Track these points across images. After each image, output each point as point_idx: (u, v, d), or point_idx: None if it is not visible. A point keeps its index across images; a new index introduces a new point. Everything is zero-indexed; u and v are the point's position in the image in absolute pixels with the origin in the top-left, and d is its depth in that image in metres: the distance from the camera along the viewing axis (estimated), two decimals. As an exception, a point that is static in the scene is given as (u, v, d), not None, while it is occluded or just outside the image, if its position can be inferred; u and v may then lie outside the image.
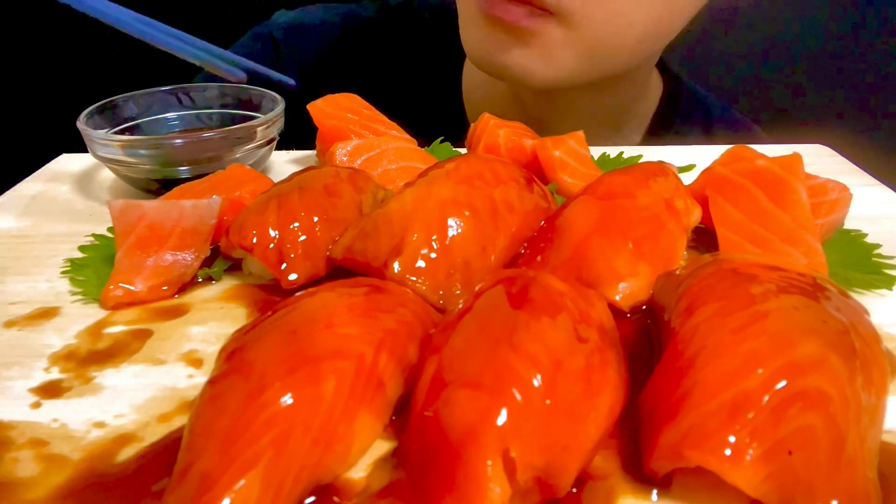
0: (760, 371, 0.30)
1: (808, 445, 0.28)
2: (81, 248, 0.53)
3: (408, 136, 0.68)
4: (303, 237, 0.47)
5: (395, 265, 0.43)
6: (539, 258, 0.46)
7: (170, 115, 0.72)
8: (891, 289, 0.48)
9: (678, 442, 0.30)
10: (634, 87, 0.87)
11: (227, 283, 0.50)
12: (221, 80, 0.73)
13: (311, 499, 0.31)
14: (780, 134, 0.94)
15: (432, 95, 0.93)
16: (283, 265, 0.46)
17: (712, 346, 0.32)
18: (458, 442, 0.28)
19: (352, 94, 0.70)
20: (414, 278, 0.43)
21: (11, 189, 0.66)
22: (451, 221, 0.45)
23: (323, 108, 0.66)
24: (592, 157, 0.66)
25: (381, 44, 0.96)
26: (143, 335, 0.43)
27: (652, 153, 0.71)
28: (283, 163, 0.73)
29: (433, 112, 0.90)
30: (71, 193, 0.65)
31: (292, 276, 0.46)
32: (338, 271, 0.47)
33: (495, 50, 0.71)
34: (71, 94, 0.90)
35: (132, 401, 0.38)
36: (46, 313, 0.46)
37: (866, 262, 0.50)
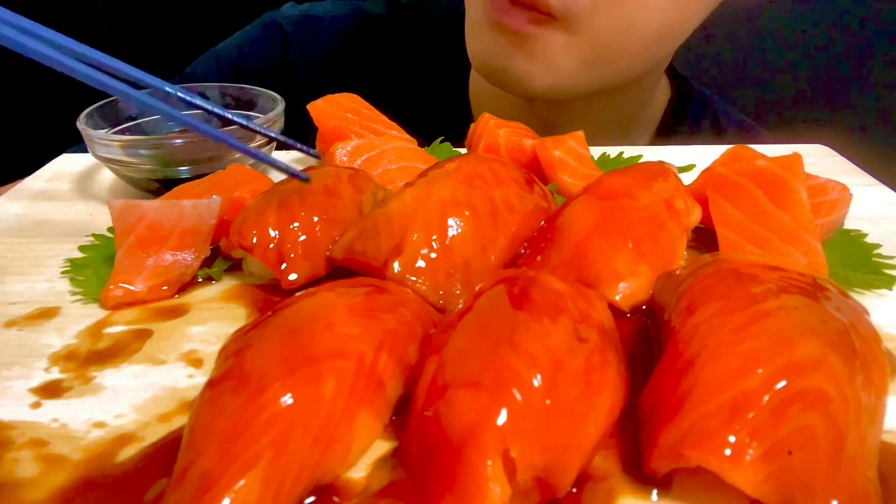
0: (760, 371, 0.30)
1: (808, 445, 0.28)
2: (81, 248, 0.53)
3: (408, 136, 0.68)
4: (303, 237, 0.47)
5: (395, 265, 0.43)
6: (539, 258, 0.46)
7: (170, 115, 0.71)
8: (891, 289, 0.48)
9: (678, 442, 0.30)
10: (643, 92, 0.86)
11: (227, 283, 0.50)
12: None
13: (311, 499, 0.31)
14: (780, 134, 0.94)
15: (438, 96, 0.92)
16: (283, 265, 0.46)
17: (712, 346, 0.32)
18: (458, 442, 0.28)
19: (352, 94, 0.70)
20: (414, 278, 0.43)
21: (12, 189, 0.66)
22: (451, 221, 0.45)
23: (323, 108, 0.66)
24: (592, 157, 0.66)
25: (389, 42, 0.95)
26: (143, 335, 0.43)
27: (652, 153, 0.71)
28: (284, 162, 0.73)
29: (439, 112, 0.90)
30: (71, 193, 0.65)
31: (292, 276, 0.46)
32: (338, 271, 0.47)
33: (497, 55, 0.71)
34: (71, 94, 0.90)
35: (132, 401, 0.38)
36: (46, 313, 0.46)
37: (866, 262, 0.50)
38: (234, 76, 0.92)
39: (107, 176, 0.69)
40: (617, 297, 0.43)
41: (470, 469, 0.27)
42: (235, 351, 0.33)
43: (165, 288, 0.47)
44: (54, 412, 0.37)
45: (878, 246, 0.51)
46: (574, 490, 0.31)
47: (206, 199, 0.51)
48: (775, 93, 1.47)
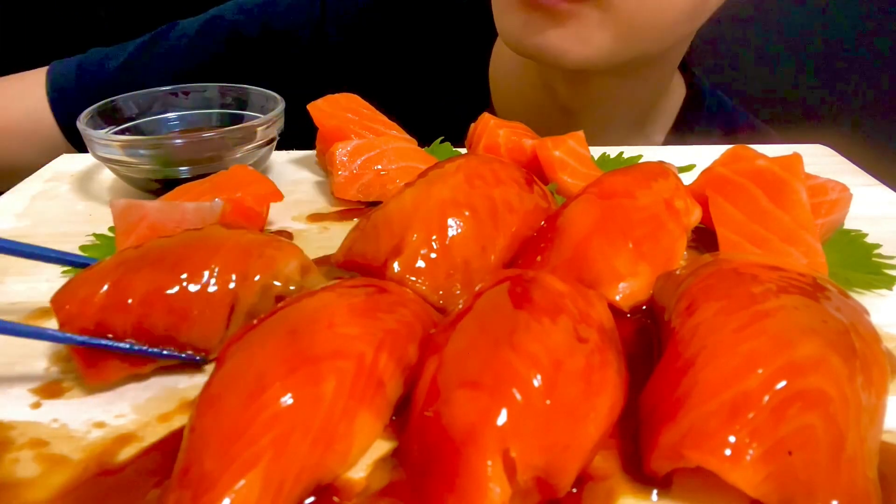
0: (760, 371, 0.30)
1: (808, 445, 0.29)
2: (82, 248, 0.53)
3: (408, 136, 0.68)
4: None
5: (395, 265, 0.43)
6: (539, 258, 0.46)
7: (170, 115, 0.71)
8: (891, 289, 0.48)
9: (678, 442, 0.30)
10: (662, 78, 0.86)
11: (227, 283, 0.50)
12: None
13: (311, 499, 0.31)
14: (781, 134, 0.94)
15: (458, 77, 0.92)
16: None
17: (712, 346, 0.32)
18: (459, 442, 0.28)
19: (352, 94, 0.70)
20: (414, 278, 0.43)
21: (12, 189, 0.66)
22: (450, 221, 0.45)
23: (323, 108, 0.66)
24: (592, 157, 0.66)
25: (420, 20, 0.95)
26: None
27: (652, 153, 0.71)
28: (283, 163, 0.73)
29: (458, 94, 0.89)
30: (71, 193, 0.65)
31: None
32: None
33: (531, 32, 0.70)
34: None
35: (132, 401, 0.38)
36: (46, 313, 0.46)
37: (866, 262, 0.50)
38: (262, 32, 0.91)
39: (107, 176, 0.69)
40: (617, 297, 0.43)
41: (470, 469, 0.27)
42: (235, 351, 0.33)
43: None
44: (54, 412, 0.37)
45: (878, 246, 0.51)
46: (574, 490, 0.31)
47: (207, 200, 0.51)
48: (775, 93, 1.47)
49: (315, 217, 0.61)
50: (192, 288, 0.38)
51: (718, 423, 0.29)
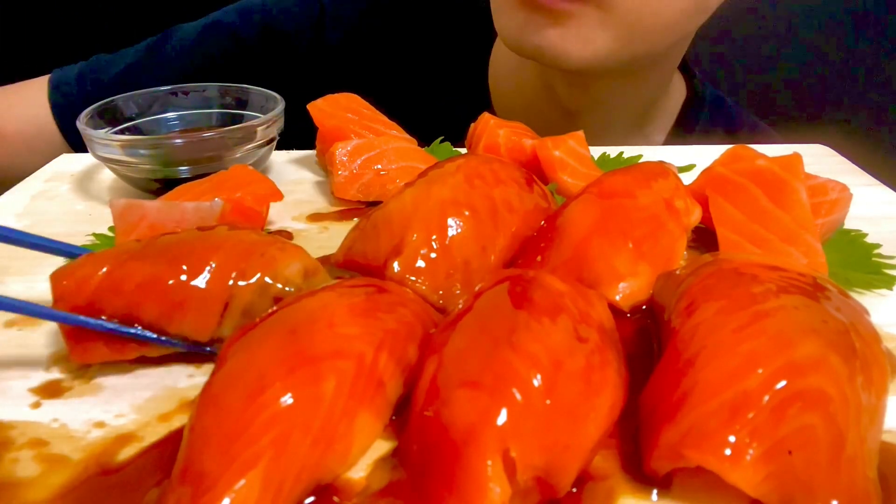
0: (760, 371, 0.30)
1: (808, 445, 0.29)
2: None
3: (408, 136, 0.68)
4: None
5: (395, 265, 0.43)
6: (539, 258, 0.46)
7: (170, 115, 0.71)
8: (891, 289, 0.48)
9: (678, 442, 0.30)
10: (662, 78, 0.86)
11: (227, 283, 0.50)
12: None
13: (311, 499, 0.31)
14: (781, 134, 0.94)
15: (459, 85, 0.92)
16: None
17: (712, 346, 0.32)
18: (458, 442, 0.28)
19: (352, 94, 0.70)
20: (414, 278, 0.43)
21: (12, 189, 0.66)
22: (450, 221, 0.45)
23: (323, 108, 0.66)
24: (592, 157, 0.66)
25: (421, 22, 0.95)
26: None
27: (652, 153, 0.71)
28: (283, 163, 0.73)
29: (458, 96, 0.90)
30: (71, 193, 0.65)
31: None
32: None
33: (530, 32, 0.70)
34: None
35: (132, 401, 0.38)
36: (46, 313, 0.46)
37: (866, 262, 0.50)
38: (263, 36, 0.92)
39: (107, 176, 0.69)
40: (617, 297, 0.43)
41: (470, 469, 0.27)
42: (235, 351, 0.33)
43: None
44: (54, 412, 0.37)
45: (878, 246, 0.51)
46: (574, 490, 0.31)
47: (207, 200, 0.51)
48: (775, 93, 1.47)
49: (315, 217, 0.61)
50: (188, 280, 0.38)
51: (718, 422, 0.29)
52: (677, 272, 0.41)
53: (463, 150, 0.70)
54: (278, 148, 0.71)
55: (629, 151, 0.72)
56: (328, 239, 0.56)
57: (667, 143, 0.90)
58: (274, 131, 0.67)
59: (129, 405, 0.37)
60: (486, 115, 0.68)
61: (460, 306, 0.36)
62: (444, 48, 0.92)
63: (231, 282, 0.39)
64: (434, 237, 0.44)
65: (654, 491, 0.32)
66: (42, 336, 0.43)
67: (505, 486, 0.27)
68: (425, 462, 0.30)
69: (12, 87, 0.89)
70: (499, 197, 0.48)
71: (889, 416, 0.34)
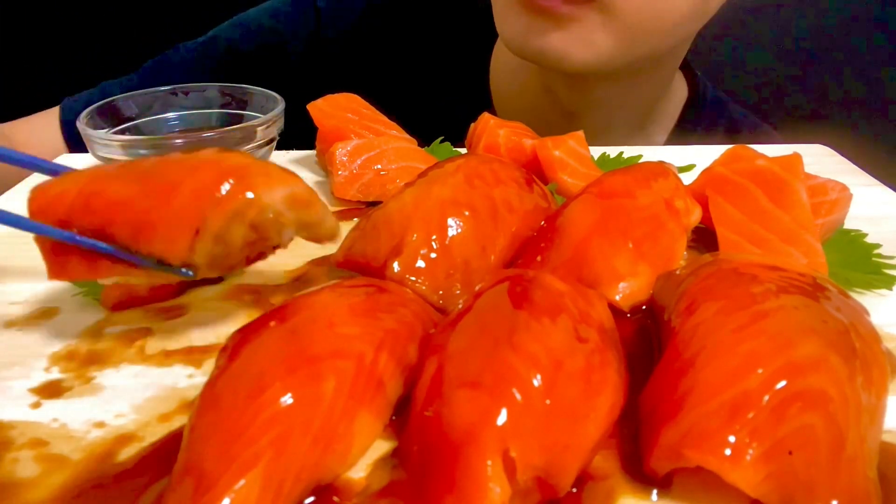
0: (760, 371, 0.30)
1: (808, 445, 0.28)
2: (81, 248, 0.53)
3: (408, 136, 0.68)
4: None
5: (395, 265, 0.43)
6: (539, 258, 0.46)
7: (170, 115, 0.71)
8: (891, 289, 0.48)
9: (678, 442, 0.30)
10: (663, 79, 0.87)
11: (227, 284, 0.50)
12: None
13: (311, 499, 0.31)
14: (781, 134, 0.94)
15: (459, 86, 0.93)
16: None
17: (712, 346, 0.32)
18: (459, 442, 0.28)
19: (352, 94, 0.70)
20: (414, 278, 0.43)
21: (12, 189, 0.66)
22: (450, 221, 0.45)
23: (323, 108, 0.66)
24: (592, 157, 0.66)
25: (419, 26, 0.95)
26: (143, 335, 0.43)
27: (652, 153, 0.71)
28: (283, 163, 0.73)
29: (459, 98, 0.90)
30: (71, 193, 0.65)
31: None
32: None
33: (532, 35, 0.70)
34: (71, 94, 0.91)
35: (132, 401, 0.38)
36: (46, 313, 0.46)
37: (866, 262, 0.50)
38: (260, 47, 0.92)
39: (107, 176, 0.69)
40: (617, 297, 0.43)
41: (470, 469, 0.27)
42: (235, 351, 0.33)
43: (166, 288, 0.47)
44: (54, 412, 0.37)
45: (878, 246, 0.51)
46: (574, 490, 0.31)
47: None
48: (775, 93, 1.47)
49: (315, 217, 0.60)
50: (157, 200, 0.37)
51: (718, 422, 0.29)
52: (677, 272, 0.41)
53: (463, 150, 0.70)
54: (278, 148, 0.71)
55: (629, 151, 0.72)
56: (328, 239, 0.56)
57: (668, 143, 0.90)
58: (274, 131, 0.67)
59: (129, 405, 0.37)
60: (486, 115, 0.68)
61: (460, 306, 0.36)
62: (445, 48, 0.92)
63: (203, 204, 0.36)
64: (434, 237, 0.44)
65: (654, 491, 0.32)
66: (42, 336, 0.43)
67: (505, 486, 0.27)
68: (425, 462, 0.30)
69: (24, 120, 0.90)
70: (499, 197, 0.48)
71: (889, 416, 0.34)
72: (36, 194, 0.39)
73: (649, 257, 0.45)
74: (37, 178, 0.68)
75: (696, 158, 0.68)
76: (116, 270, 0.39)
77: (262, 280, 0.50)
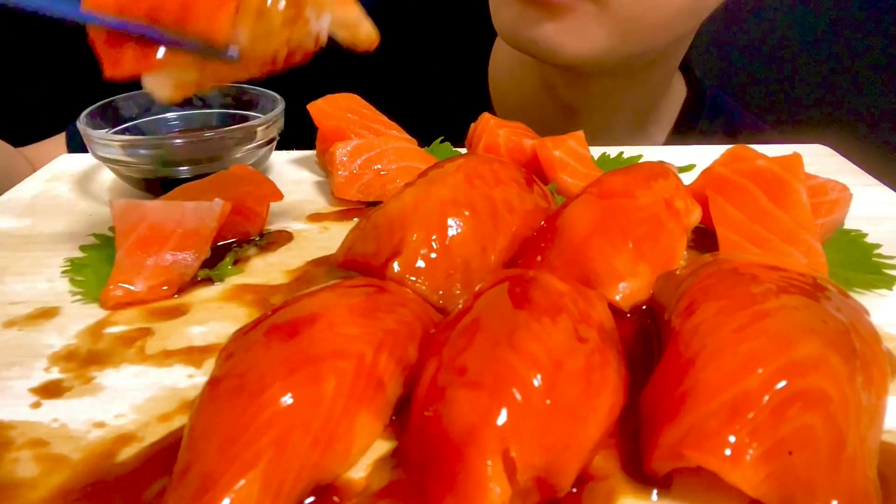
0: (760, 371, 0.30)
1: (808, 445, 0.29)
2: (82, 248, 0.53)
3: (408, 136, 0.68)
4: None
5: (395, 265, 0.43)
6: (539, 258, 0.46)
7: (170, 115, 0.71)
8: (891, 289, 0.48)
9: (678, 442, 0.30)
10: (663, 78, 0.86)
11: (227, 283, 0.50)
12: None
13: (311, 499, 0.31)
14: (781, 134, 0.94)
15: (458, 85, 0.92)
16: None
17: (712, 346, 0.32)
18: (459, 442, 0.28)
19: (352, 94, 0.70)
20: (414, 278, 0.43)
21: (12, 189, 0.66)
22: (450, 221, 0.45)
23: (323, 108, 0.66)
24: (592, 157, 0.66)
25: (413, 27, 0.95)
26: (143, 335, 0.43)
27: (651, 153, 0.71)
28: (283, 163, 0.73)
29: (459, 101, 0.90)
30: (71, 193, 0.65)
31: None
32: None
33: (526, 25, 0.70)
34: (71, 94, 0.91)
35: (132, 401, 0.38)
36: (46, 313, 0.46)
37: (866, 262, 0.50)
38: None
39: (107, 176, 0.69)
40: (617, 297, 0.43)
41: (470, 469, 0.27)
42: (235, 351, 0.33)
43: (165, 288, 0.47)
44: (54, 412, 0.37)
45: (878, 246, 0.51)
46: (574, 490, 0.31)
47: (207, 200, 0.51)
48: (775, 93, 1.47)
49: (315, 217, 0.61)
50: None
51: (718, 422, 0.29)
52: (677, 272, 0.41)
53: (463, 150, 0.70)
54: (278, 148, 0.71)
55: (629, 151, 0.72)
56: (328, 239, 0.56)
57: (667, 142, 0.90)
58: (274, 131, 0.67)
59: (129, 405, 0.37)
60: (486, 116, 0.68)
61: (460, 306, 0.36)
62: (444, 48, 0.92)
63: None
64: (434, 237, 0.44)
65: (654, 491, 0.32)
66: (42, 336, 0.43)
67: (505, 486, 0.27)
68: (425, 462, 0.30)
69: (33, 146, 0.91)
70: (499, 197, 0.48)
71: (889, 416, 0.34)
72: None
73: (649, 257, 0.45)
74: (34, 180, 0.68)
75: (696, 158, 0.68)
76: (167, 61, 0.40)
77: (262, 280, 0.50)
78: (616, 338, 0.36)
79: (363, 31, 0.43)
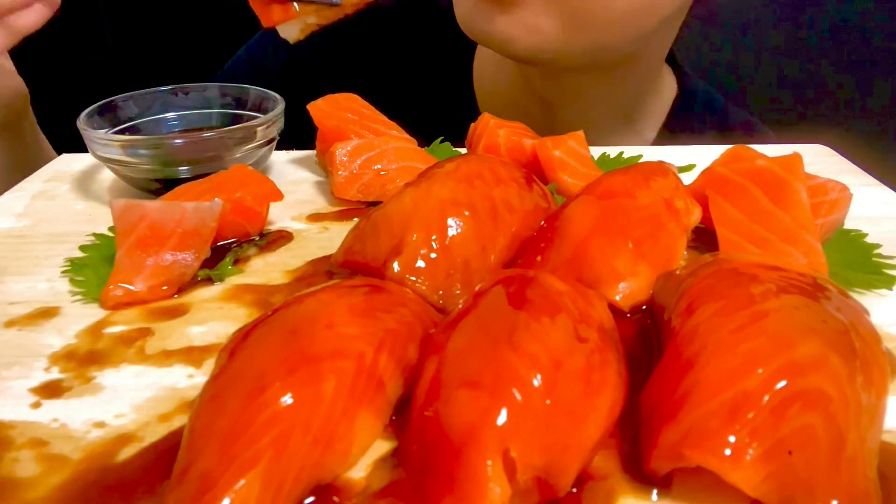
0: (760, 371, 0.30)
1: (808, 445, 0.29)
2: (82, 248, 0.53)
3: (408, 136, 0.68)
4: None
5: (395, 265, 0.43)
6: (539, 258, 0.46)
7: (170, 115, 0.71)
8: (891, 289, 0.48)
9: (678, 442, 0.30)
10: (644, 77, 0.86)
11: (227, 283, 0.50)
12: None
13: (311, 499, 0.31)
14: (781, 134, 0.94)
15: (443, 85, 0.93)
16: None
17: (712, 346, 0.32)
18: (458, 442, 0.28)
19: (352, 94, 0.70)
20: (413, 278, 0.43)
21: (12, 189, 0.66)
22: (450, 221, 0.45)
23: (323, 108, 0.66)
24: (592, 157, 0.66)
25: (398, 34, 0.96)
26: (143, 335, 0.43)
27: (651, 153, 0.71)
28: (283, 163, 0.73)
29: (443, 101, 0.90)
30: (71, 193, 0.65)
31: None
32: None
33: (480, 19, 0.72)
34: (71, 94, 0.91)
35: (132, 401, 0.38)
36: (46, 313, 0.46)
37: (866, 262, 0.50)
38: (253, 76, 0.95)
39: (107, 176, 0.69)
40: (617, 297, 0.43)
41: (470, 469, 0.27)
42: (235, 351, 0.33)
43: (165, 288, 0.47)
44: (54, 412, 0.37)
45: (878, 246, 0.51)
46: (574, 490, 0.31)
47: (207, 200, 0.51)
48: (775, 93, 1.47)
49: (315, 217, 0.61)
50: None
51: (718, 422, 0.29)
52: (677, 272, 0.41)
53: (463, 150, 0.70)
54: (278, 148, 0.71)
55: (629, 151, 0.72)
56: (328, 239, 0.56)
57: (658, 139, 0.90)
58: (274, 131, 0.67)
59: (129, 405, 0.37)
60: (486, 116, 0.68)
61: (460, 306, 0.36)
62: (444, 47, 0.92)
63: None
64: (434, 237, 0.44)
65: (654, 491, 0.32)
66: (42, 336, 0.43)
67: (505, 486, 0.27)
68: (425, 462, 0.30)
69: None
70: (499, 197, 0.48)
71: (889, 416, 0.34)
72: None
73: (649, 257, 0.45)
74: (34, 179, 0.68)
75: (696, 158, 0.68)
76: (299, 12, 0.65)
77: (262, 280, 0.50)
78: (616, 338, 0.36)
79: None
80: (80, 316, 0.46)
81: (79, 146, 0.67)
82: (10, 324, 0.45)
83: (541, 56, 0.72)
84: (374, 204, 0.58)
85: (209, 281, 0.50)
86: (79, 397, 0.38)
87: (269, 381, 0.30)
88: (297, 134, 0.70)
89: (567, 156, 0.62)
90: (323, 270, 0.51)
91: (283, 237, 0.57)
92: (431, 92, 0.92)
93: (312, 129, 0.67)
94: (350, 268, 0.47)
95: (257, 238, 0.56)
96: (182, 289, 0.48)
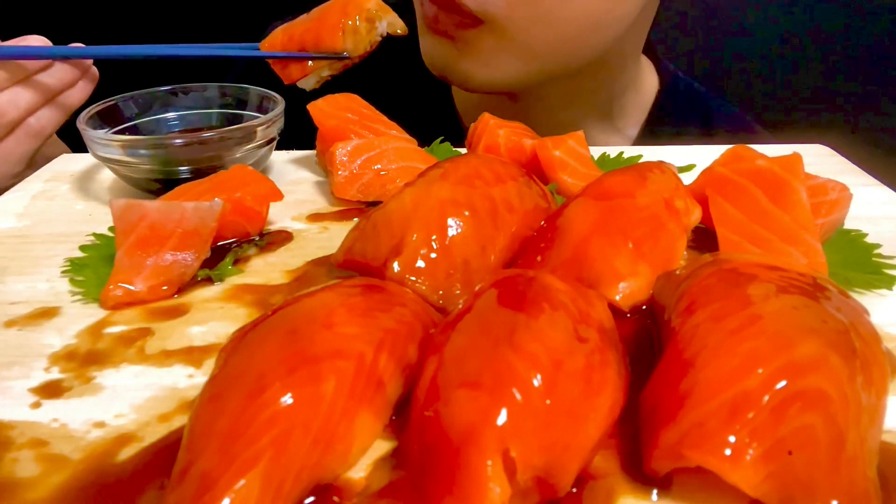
0: (760, 371, 0.30)
1: (808, 445, 0.29)
2: (82, 248, 0.53)
3: (408, 136, 0.68)
4: None
5: (395, 265, 0.43)
6: (539, 258, 0.46)
7: (170, 115, 0.72)
8: (891, 289, 0.48)
9: (678, 442, 0.30)
10: (617, 74, 0.85)
11: (227, 283, 0.50)
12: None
13: (311, 499, 0.31)
14: (781, 134, 0.94)
15: (428, 93, 0.93)
16: None
17: (712, 346, 0.32)
18: (458, 442, 0.28)
19: (352, 94, 0.70)
20: (413, 278, 0.43)
21: (12, 189, 0.66)
22: (450, 221, 0.45)
23: (323, 108, 0.66)
24: (592, 157, 0.66)
25: (386, 43, 0.97)
26: (143, 335, 0.44)
27: (651, 153, 0.71)
28: (283, 163, 0.73)
29: (429, 96, 0.91)
30: (71, 193, 0.65)
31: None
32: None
33: (438, 57, 0.75)
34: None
35: (132, 401, 0.38)
36: (46, 313, 0.46)
37: (866, 262, 0.50)
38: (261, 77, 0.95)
39: (107, 176, 0.69)
40: (617, 297, 0.43)
41: (470, 469, 0.27)
42: (235, 351, 0.33)
43: (165, 288, 0.47)
44: (54, 412, 0.37)
45: (878, 246, 0.51)
46: (574, 490, 0.31)
47: (207, 200, 0.51)
48: (775, 93, 1.47)
49: (315, 217, 0.61)
50: (320, 22, 0.71)
51: (718, 422, 0.29)
52: (677, 272, 0.41)
53: (463, 150, 0.70)
54: (278, 148, 0.71)
55: (629, 151, 0.72)
56: (328, 239, 0.56)
57: (640, 135, 0.90)
58: (274, 131, 0.67)
59: (129, 405, 0.37)
60: (486, 115, 0.68)
61: (460, 306, 0.36)
62: (416, 63, 0.93)
63: (345, 11, 0.71)
64: (434, 237, 0.44)
65: (654, 491, 0.32)
66: (42, 336, 0.43)
67: (505, 486, 0.27)
68: (425, 462, 0.30)
69: None
70: (499, 197, 0.48)
71: (889, 416, 0.34)
72: (265, 41, 0.73)
73: (649, 257, 0.45)
74: (34, 179, 0.68)
75: (696, 158, 0.68)
76: (313, 67, 0.72)
77: (262, 280, 0.50)
78: (616, 338, 0.36)
79: (400, 26, 0.72)
80: (80, 316, 0.46)
81: (79, 146, 0.67)
82: (10, 324, 0.45)
83: (500, 87, 0.74)
84: (374, 204, 0.58)
85: (209, 281, 0.50)
86: (79, 397, 0.38)
87: (269, 381, 0.30)
88: (297, 134, 0.70)
89: (567, 156, 0.62)
90: (323, 270, 0.51)
91: (283, 237, 0.57)
92: (443, 92, 0.93)
93: (312, 129, 0.67)
94: (350, 268, 0.47)
95: (257, 238, 0.56)
96: (182, 289, 0.48)
